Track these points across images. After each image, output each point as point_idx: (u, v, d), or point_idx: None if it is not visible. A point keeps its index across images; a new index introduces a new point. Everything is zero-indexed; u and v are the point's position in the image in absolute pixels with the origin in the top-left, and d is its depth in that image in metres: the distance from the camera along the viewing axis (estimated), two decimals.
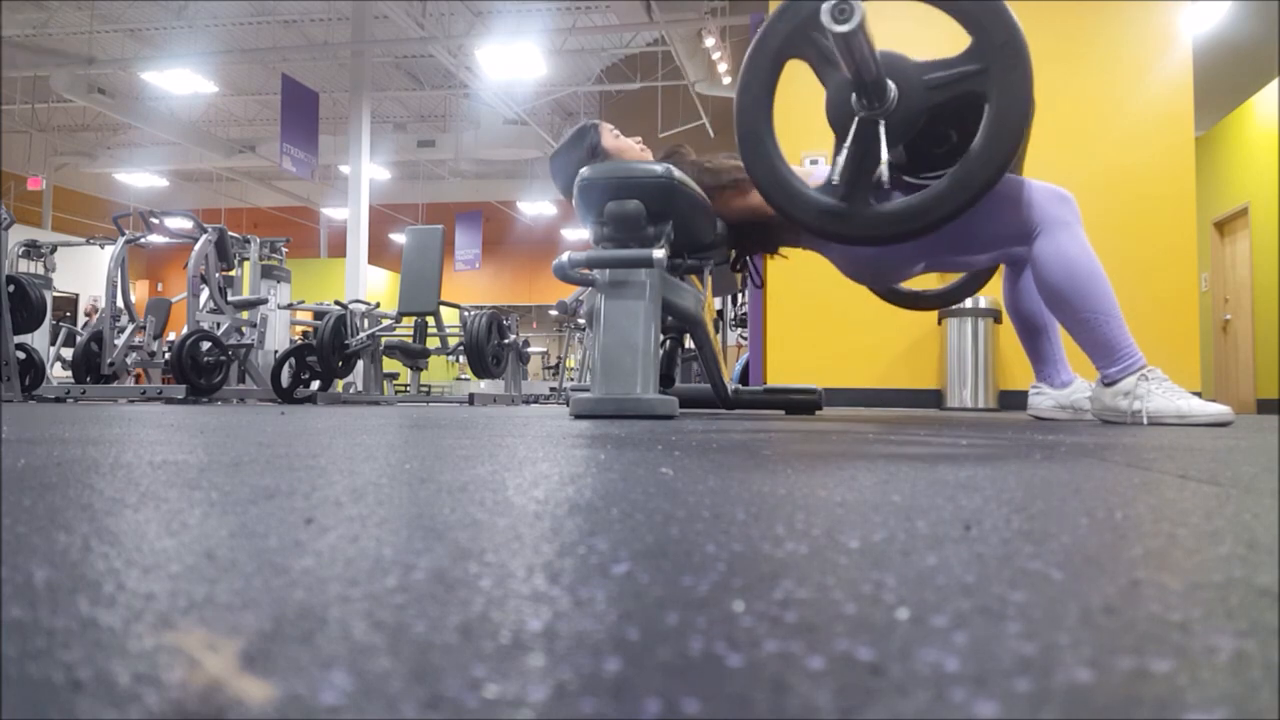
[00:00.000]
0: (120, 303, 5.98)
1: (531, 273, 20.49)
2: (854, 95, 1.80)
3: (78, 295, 14.94)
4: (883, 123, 1.78)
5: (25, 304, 5.09)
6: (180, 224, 6.12)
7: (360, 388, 7.20)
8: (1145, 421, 2.05)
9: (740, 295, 7.01)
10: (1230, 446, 1.18)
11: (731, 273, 3.00)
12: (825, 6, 1.55)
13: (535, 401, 8.71)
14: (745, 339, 6.73)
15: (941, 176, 1.91)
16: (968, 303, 5.11)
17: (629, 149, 2.57)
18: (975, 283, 3.09)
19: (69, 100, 13.18)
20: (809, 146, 5.15)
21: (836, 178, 1.85)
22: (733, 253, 2.79)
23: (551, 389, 11.14)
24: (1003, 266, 2.68)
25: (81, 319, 10.63)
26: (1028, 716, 0.20)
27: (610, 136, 2.58)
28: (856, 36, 1.59)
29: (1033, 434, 1.52)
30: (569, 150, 2.58)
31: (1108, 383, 2.15)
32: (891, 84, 1.81)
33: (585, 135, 2.58)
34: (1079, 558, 0.38)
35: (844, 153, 1.82)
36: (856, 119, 1.80)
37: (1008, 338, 4.97)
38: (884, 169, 1.78)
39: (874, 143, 1.79)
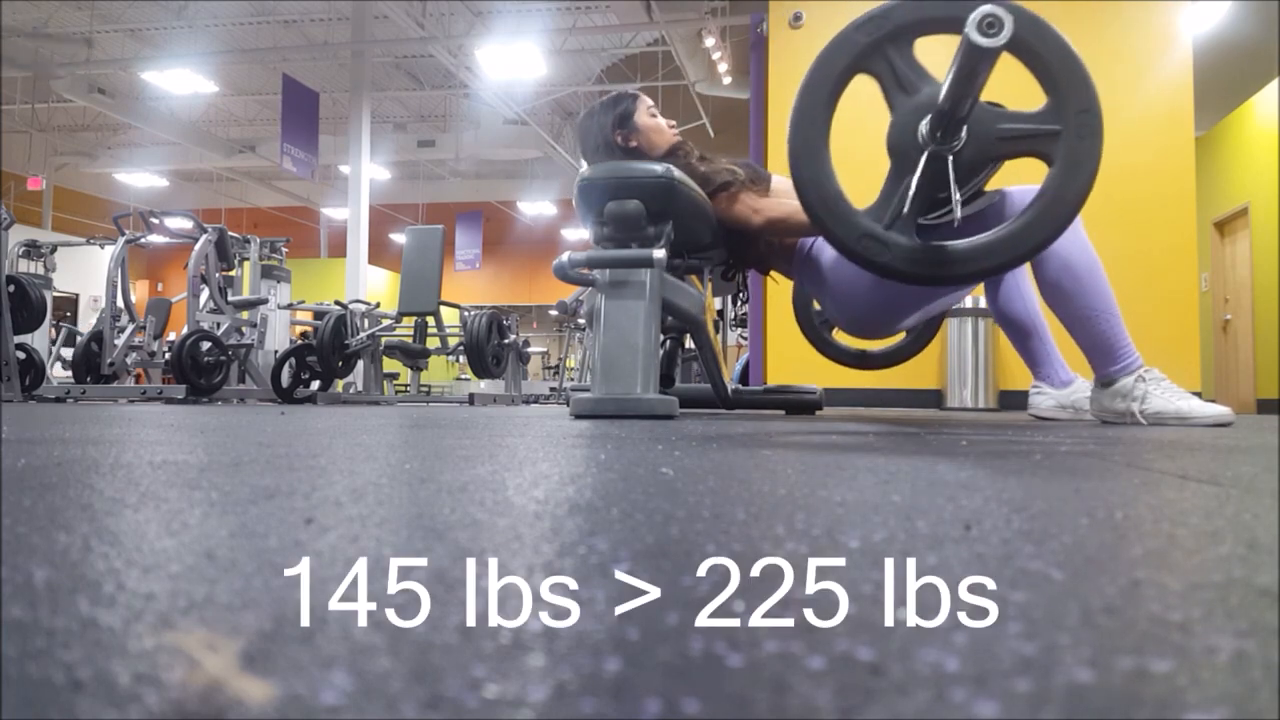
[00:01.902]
0: (120, 303, 5.98)
1: (531, 273, 20.48)
2: (925, 126, 1.68)
3: (78, 295, 14.94)
4: (951, 160, 1.68)
5: (25, 304, 5.09)
6: (180, 224, 6.12)
7: (360, 388, 7.20)
8: (1144, 422, 2.05)
9: (740, 295, 7.00)
10: (1230, 446, 1.18)
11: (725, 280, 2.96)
12: (974, 17, 1.40)
13: (535, 401, 8.71)
14: (745, 339, 6.72)
15: (946, 219, 1.84)
16: (968, 302, 5.12)
17: (659, 130, 2.53)
18: (922, 340, 3.09)
19: (69, 100, 13.17)
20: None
21: (906, 208, 1.75)
22: (728, 260, 2.75)
23: (551, 389, 11.13)
24: None
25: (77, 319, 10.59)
26: (1028, 716, 0.20)
27: (645, 112, 2.54)
28: (992, 57, 1.46)
29: (1033, 434, 1.52)
30: (603, 113, 2.54)
31: (1104, 383, 2.14)
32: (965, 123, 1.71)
33: (620, 102, 2.54)
34: (1079, 558, 0.38)
35: (913, 185, 1.72)
36: (927, 151, 1.68)
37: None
38: (957, 209, 1.69)
39: (940, 178, 1.69)
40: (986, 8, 1.42)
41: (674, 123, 2.60)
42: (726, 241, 2.53)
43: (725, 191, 2.41)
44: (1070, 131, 1.67)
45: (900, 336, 3.11)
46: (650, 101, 2.58)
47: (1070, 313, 2.15)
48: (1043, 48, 1.68)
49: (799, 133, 1.80)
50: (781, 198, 2.39)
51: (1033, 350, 2.55)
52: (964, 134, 1.69)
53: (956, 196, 1.69)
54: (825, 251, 2.41)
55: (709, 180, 2.42)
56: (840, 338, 3.19)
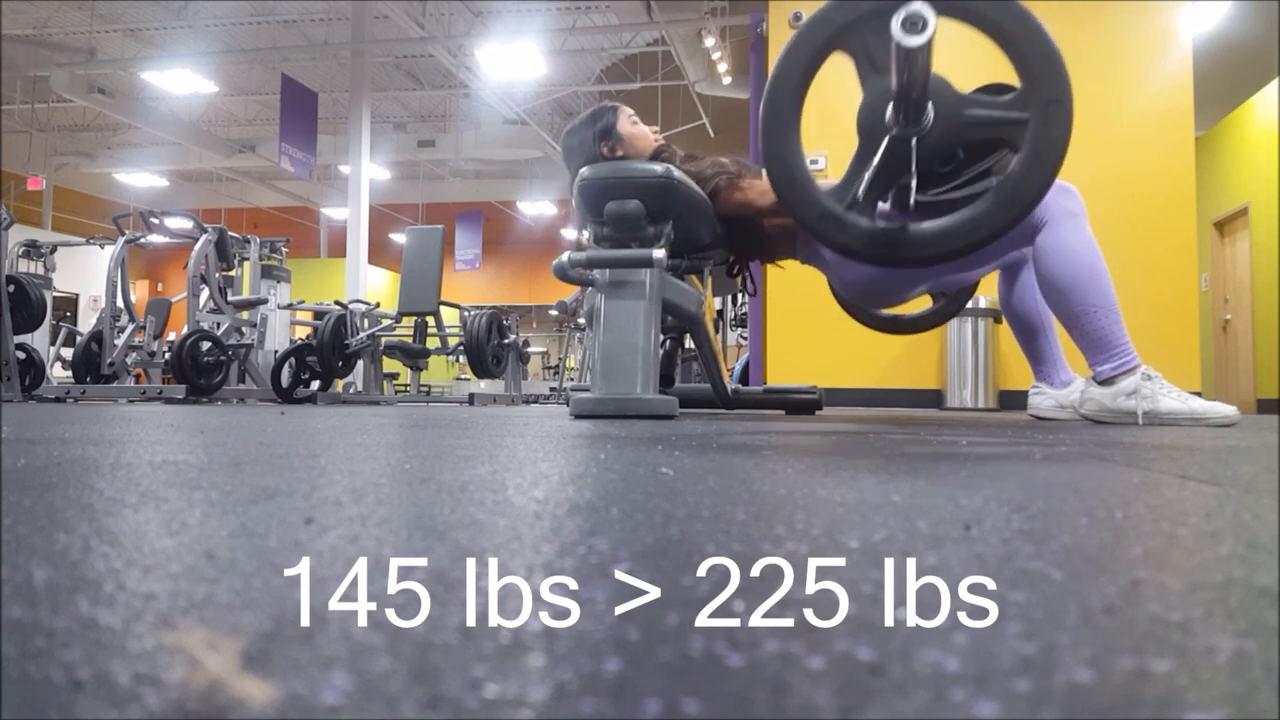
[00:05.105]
0: (120, 303, 5.98)
1: (531, 273, 20.49)
2: (890, 109, 1.71)
3: (78, 295, 14.94)
4: (914, 143, 1.70)
5: (25, 304, 5.09)
6: (180, 224, 6.12)
7: (360, 388, 7.20)
8: (1140, 421, 2.04)
9: (740, 295, 7.00)
10: (1230, 446, 1.18)
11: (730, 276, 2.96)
12: (898, 15, 1.46)
13: (535, 401, 8.71)
14: (745, 339, 6.73)
15: (948, 195, 1.85)
16: (968, 302, 5.12)
17: (643, 137, 2.52)
18: (949, 310, 3.08)
19: (69, 100, 13.16)
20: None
21: (862, 192, 1.76)
22: (730, 258, 2.75)
23: (551, 389, 11.13)
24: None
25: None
26: (1028, 716, 0.20)
27: (627, 121, 2.52)
28: (922, 53, 1.51)
29: (1033, 434, 1.52)
30: (584, 128, 2.53)
31: (1101, 380, 2.12)
32: (931, 106, 1.73)
33: (602, 116, 2.53)
34: (1079, 558, 0.38)
35: (871, 168, 1.73)
36: (889, 135, 1.70)
37: (1008, 338, 4.96)
38: (913, 190, 1.70)
39: (903, 161, 1.71)
40: (911, 7, 1.46)
41: (657, 128, 2.60)
42: (729, 236, 2.53)
43: (725, 182, 2.40)
44: (1038, 121, 1.67)
45: (928, 302, 3.12)
46: (630, 111, 2.58)
47: (1067, 310, 2.13)
48: (1022, 35, 1.69)
49: (771, 108, 1.82)
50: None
51: (1038, 348, 2.55)
52: (930, 117, 1.70)
53: (914, 181, 1.70)
54: None
55: (703, 176, 2.41)
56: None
